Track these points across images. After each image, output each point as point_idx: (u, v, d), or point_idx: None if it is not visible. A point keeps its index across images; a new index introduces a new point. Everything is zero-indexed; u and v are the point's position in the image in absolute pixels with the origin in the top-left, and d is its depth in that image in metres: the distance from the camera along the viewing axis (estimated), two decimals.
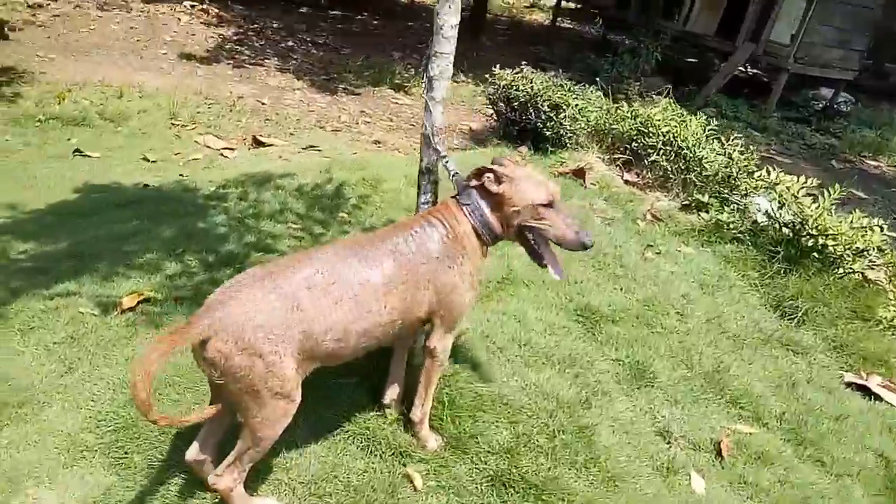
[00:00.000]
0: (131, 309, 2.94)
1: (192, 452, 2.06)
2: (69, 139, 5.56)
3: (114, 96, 6.75)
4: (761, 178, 4.80)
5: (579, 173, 5.32)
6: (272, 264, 1.97)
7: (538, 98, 5.75)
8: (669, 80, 9.79)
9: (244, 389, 1.82)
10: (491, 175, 2.19)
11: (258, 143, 6.26)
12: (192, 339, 1.75)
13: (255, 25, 10.89)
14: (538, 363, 3.04)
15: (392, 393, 2.61)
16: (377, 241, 2.11)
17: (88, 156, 5.23)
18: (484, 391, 2.78)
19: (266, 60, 9.32)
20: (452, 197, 2.29)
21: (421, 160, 2.60)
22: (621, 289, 3.87)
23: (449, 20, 2.36)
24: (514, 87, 5.91)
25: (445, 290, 2.18)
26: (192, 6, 10.71)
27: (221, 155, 5.91)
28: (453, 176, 2.35)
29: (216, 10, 10.75)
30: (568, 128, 5.75)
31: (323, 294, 1.91)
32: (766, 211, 4.74)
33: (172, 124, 6.39)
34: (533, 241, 2.25)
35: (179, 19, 10.19)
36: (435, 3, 2.38)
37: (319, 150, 6.32)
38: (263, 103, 7.68)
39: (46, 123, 5.73)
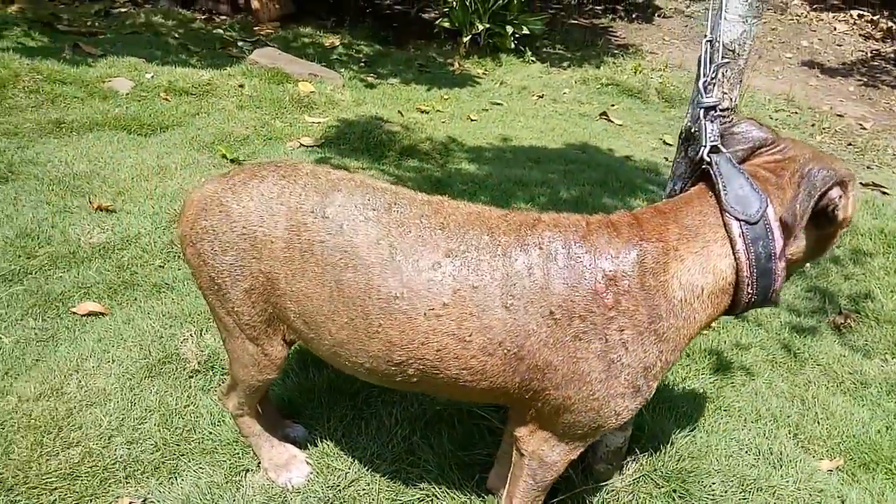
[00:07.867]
0: None
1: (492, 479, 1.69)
2: (613, 105, 5.60)
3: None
4: None
5: None
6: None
7: None
8: None
9: (204, 294, 1.40)
10: (839, 191, 1.11)
11: None
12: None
13: None
14: None
15: (495, 480, 1.65)
16: (522, 229, 1.20)
17: (611, 121, 5.14)
18: None
19: None
20: (713, 195, 1.18)
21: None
22: None
23: None
24: None
25: (555, 378, 1.16)
26: (861, 16, 9.18)
27: None
28: (708, 149, 1.20)
29: (888, 24, 8.92)
30: None
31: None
32: None
33: None
34: None
35: (835, 28, 8.92)
36: None
37: (886, 193, 4.58)
38: (864, 128, 6.06)
39: (604, 88, 5.90)
